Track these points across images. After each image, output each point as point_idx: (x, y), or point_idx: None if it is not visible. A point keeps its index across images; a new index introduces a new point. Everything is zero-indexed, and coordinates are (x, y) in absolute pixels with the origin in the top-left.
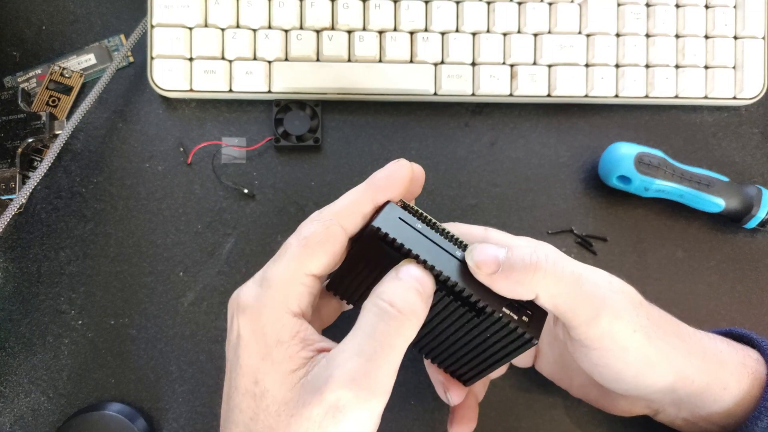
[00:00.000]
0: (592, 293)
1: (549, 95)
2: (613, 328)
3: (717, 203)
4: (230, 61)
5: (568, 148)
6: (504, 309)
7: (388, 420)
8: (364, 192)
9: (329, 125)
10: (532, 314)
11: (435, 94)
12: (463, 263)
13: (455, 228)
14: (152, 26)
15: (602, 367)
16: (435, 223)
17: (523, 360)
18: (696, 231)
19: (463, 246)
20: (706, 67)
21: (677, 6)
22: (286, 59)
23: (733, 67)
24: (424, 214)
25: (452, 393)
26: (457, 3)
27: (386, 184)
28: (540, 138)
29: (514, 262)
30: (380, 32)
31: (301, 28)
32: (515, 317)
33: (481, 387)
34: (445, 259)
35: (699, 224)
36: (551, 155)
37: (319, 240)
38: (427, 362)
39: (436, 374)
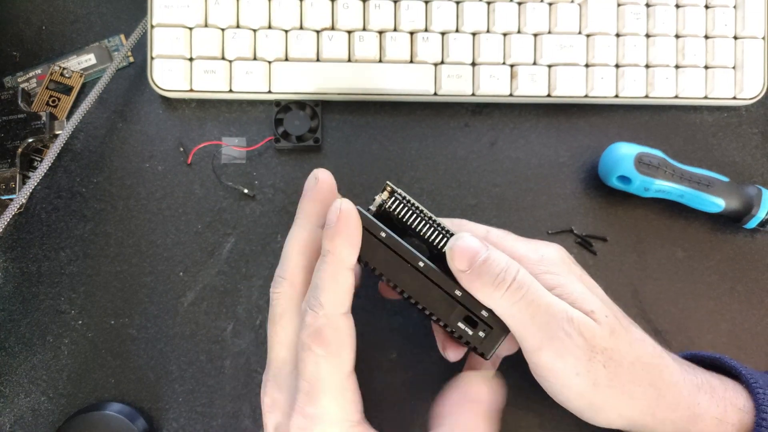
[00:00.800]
0: (541, 326)
1: (549, 95)
2: (555, 365)
3: (717, 203)
4: (230, 61)
5: (568, 148)
6: (459, 324)
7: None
8: (337, 264)
9: (329, 125)
10: (492, 330)
11: (435, 94)
12: (424, 271)
13: (458, 226)
14: (152, 26)
15: (550, 393)
16: (416, 217)
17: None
18: (696, 231)
19: (447, 235)
20: (706, 67)
21: (677, 6)
22: (286, 59)
23: (733, 67)
24: (411, 203)
25: (449, 351)
26: (457, 3)
27: (342, 241)
28: (540, 138)
29: (485, 271)
30: (380, 32)
31: (301, 28)
32: (470, 332)
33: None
34: (405, 269)
35: (699, 224)
36: (551, 155)
37: (339, 343)
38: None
39: (436, 331)
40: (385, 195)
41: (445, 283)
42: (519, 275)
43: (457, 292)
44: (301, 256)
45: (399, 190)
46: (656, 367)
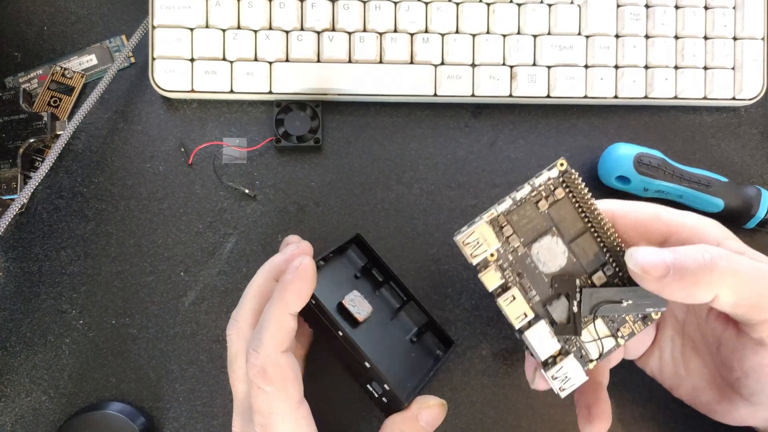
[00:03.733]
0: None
1: (548, 96)
2: None
3: (716, 204)
4: (231, 62)
5: (567, 148)
6: (368, 386)
7: None
8: (282, 308)
9: (330, 126)
10: (393, 400)
11: (435, 95)
12: (342, 339)
13: (610, 206)
14: (153, 27)
15: None
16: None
17: (632, 350)
18: None
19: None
20: (706, 68)
21: (676, 7)
22: (287, 60)
23: (733, 68)
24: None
25: (538, 381)
26: (457, 4)
27: (293, 290)
28: (539, 139)
29: (687, 264)
30: (380, 33)
31: (302, 29)
32: (375, 395)
33: (604, 372)
34: (330, 335)
35: None
36: (551, 156)
37: (283, 379)
38: None
39: (528, 360)
40: (554, 172)
41: (358, 354)
42: (720, 249)
43: (366, 364)
44: (254, 301)
45: (573, 172)
46: None
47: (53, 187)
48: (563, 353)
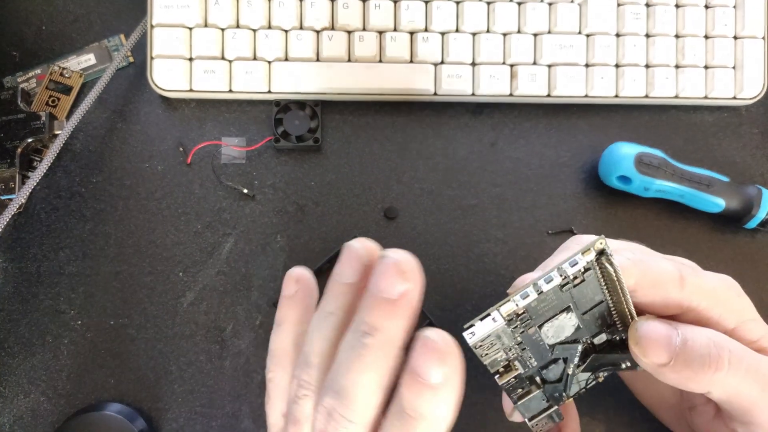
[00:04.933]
0: None
1: (549, 95)
2: None
3: (717, 203)
4: (230, 61)
5: (568, 148)
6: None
7: None
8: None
9: (329, 125)
10: None
11: (435, 94)
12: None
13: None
14: (152, 26)
15: None
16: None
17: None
18: (696, 231)
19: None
20: (706, 67)
21: (677, 6)
22: (286, 59)
23: (733, 67)
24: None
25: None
26: (457, 3)
27: (399, 319)
28: (540, 138)
29: (692, 358)
30: (380, 32)
31: (301, 28)
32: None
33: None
34: None
35: (699, 224)
36: (551, 155)
37: None
38: None
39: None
40: (592, 256)
41: None
42: (730, 344)
43: None
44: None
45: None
46: None
47: (51, 187)
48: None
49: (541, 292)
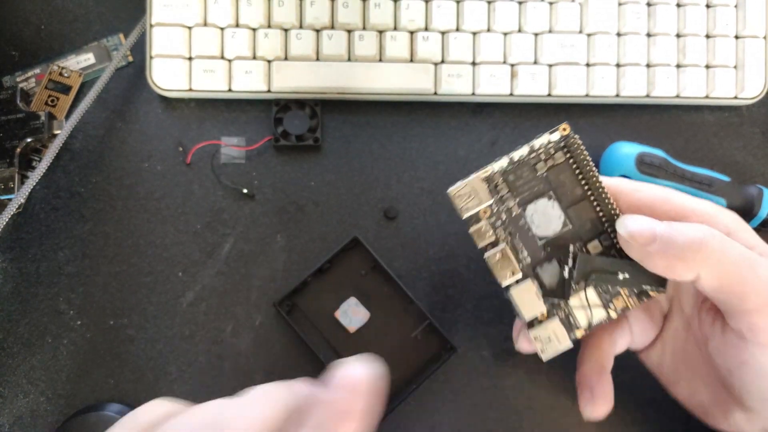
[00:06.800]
0: (756, 284)
1: (549, 95)
2: None
3: (718, 203)
4: (229, 61)
5: None
6: None
7: None
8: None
9: (329, 125)
10: None
11: (435, 93)
12: None
13: (617, 182)
14: (151, 25)
15: (754, 367)
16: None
17: (637, 340)
18: None
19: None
20: (707, 67)
21: (678, 5)
22: (286, 58)
23: (735, 67)
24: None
25: (521, 343)
26: (458, 2)
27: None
28: None
29: (675, 237)
30: (380, 31)
31: (301, 27)
32: None
33: (608, 357)
34: None
35: None
36: None
37: None
38: None
39: (516, 325)
40: (556, 136)
41: None
42: (709, 232)
43: None
44: None
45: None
46: None
47: (51, 187)
48: (549, 316)
49: (514, 160)
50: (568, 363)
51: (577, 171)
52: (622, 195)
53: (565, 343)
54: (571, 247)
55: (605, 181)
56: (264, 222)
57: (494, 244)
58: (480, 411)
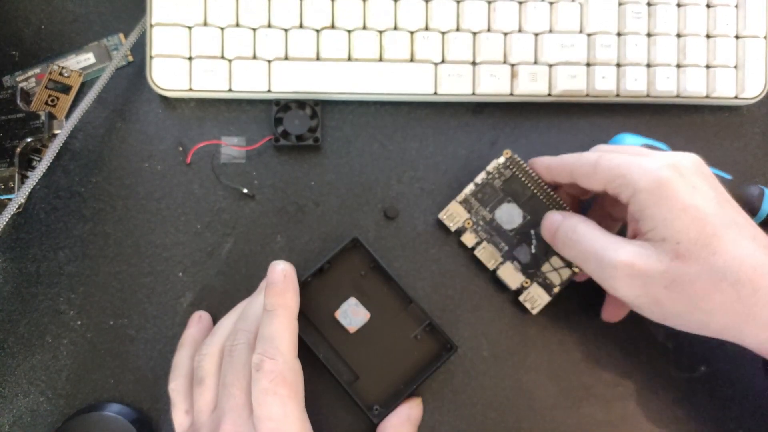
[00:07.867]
0: (594, 271)
1: (550, 94)
2: (617, 293)
3: None
4: (230, 61)
5: (569, 147)
6: (348, 388)
7: None
8: (289, 315)
9: (329, 125)
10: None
11: (435, 93)
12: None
13: (544, 160)
14: (151, 25)
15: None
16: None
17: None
18: None
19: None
20: (708, 67)
21: (678, 5)
22: (286, 58)
23: (735, 67)
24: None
25: (607, 313)
26: (458, 2)
27: (291, 295)
28: (541, 137)
29: (550, 230)
30: (380, 32)
31: (301, 27)
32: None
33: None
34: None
35: None
36: (552, 154)
37: (298, 383)
38: None
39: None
40: (502, 160)
41: (340, 376)
42: (562, 228)
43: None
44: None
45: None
46: (752, 283)
47: (51, 187)
48: (531, 283)
49: (478, 183)
50: (568, 364)
51: (523, 179)
52: (552, 169)
53: (545, 299)
54: (533, 232)
55: (533, 166)
56: (264, 222)
57: (479, 243)
58: (480, 411)
